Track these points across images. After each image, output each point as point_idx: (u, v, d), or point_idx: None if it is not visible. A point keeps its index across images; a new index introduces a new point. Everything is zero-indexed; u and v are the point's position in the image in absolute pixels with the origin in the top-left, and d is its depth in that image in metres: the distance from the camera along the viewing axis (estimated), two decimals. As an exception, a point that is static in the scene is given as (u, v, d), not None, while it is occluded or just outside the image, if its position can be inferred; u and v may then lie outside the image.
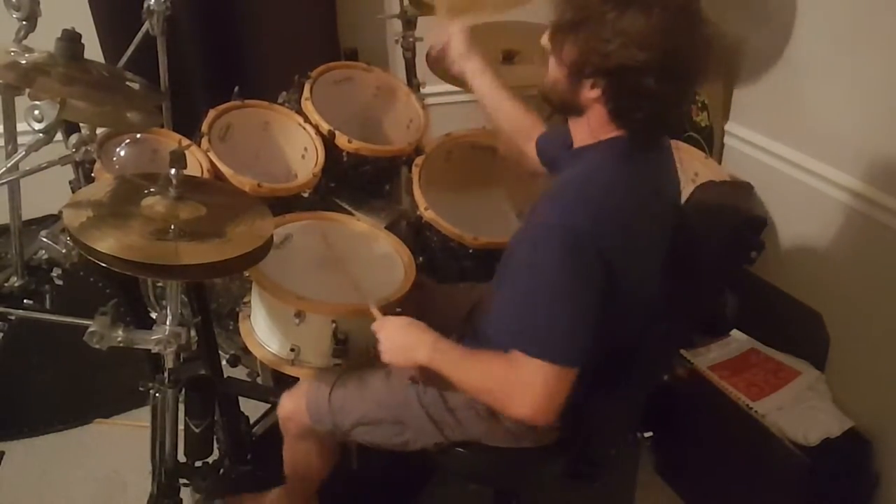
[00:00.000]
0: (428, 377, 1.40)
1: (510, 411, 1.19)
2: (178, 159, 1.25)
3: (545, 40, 1.22)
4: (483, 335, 1.41)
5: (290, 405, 1.51)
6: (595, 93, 1.16)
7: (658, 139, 1.28)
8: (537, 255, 1.15)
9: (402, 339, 1.32)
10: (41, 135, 1.25)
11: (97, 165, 1.59)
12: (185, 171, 1.27)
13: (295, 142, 1.87)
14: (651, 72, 1.09)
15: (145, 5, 1.65)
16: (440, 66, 1.68)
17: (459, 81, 2.04)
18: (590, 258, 1.12)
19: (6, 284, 1.56)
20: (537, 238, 1.15)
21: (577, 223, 1.12)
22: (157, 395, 1.45)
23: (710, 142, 2.21)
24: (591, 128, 1.22)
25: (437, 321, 1.44)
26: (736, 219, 1.45)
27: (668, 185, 1.31)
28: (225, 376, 1.77)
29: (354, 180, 1.93)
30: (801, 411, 1.81)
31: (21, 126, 1.35)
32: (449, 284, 1.79)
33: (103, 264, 1.13)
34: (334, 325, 1.44)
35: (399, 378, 1.44)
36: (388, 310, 1.50)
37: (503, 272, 1.35)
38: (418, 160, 1.89)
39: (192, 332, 1.38)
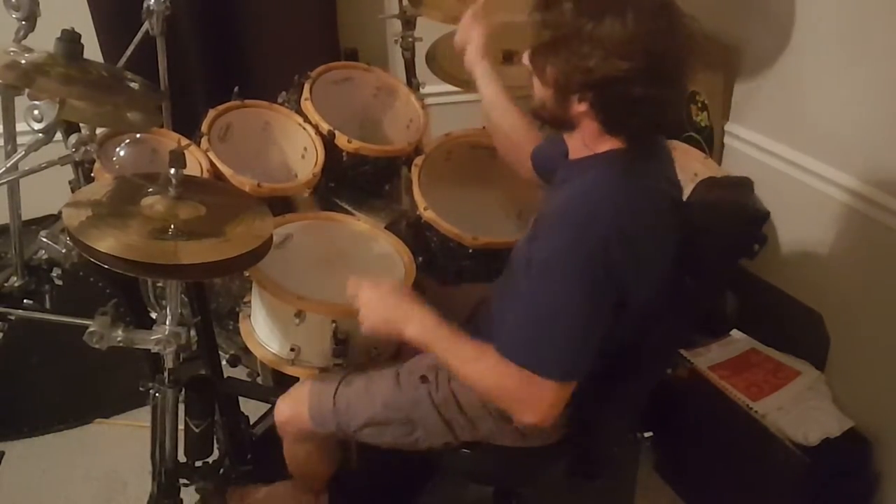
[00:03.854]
0: (439, 377, 1.40)
1: (518, 417, 1.20)
2: (178, 159, 1.25)
3: (526, 61, 1.21)
4: (487, 337, 1.41)
5: (288, 410, 1.49)
6: (583, 107, 1.15)
7: (655, 144, 1.27)
8: (549, 280, 1.14)
9: (385, 311, 1.28)
10: (41, 135, 1.25)
11: (97, 165, 1.59)
12: (185, 171, 1.27)
13: (295, 142, 1.87)
14: (636, 78, 1.08)
15: (145, 5, 1.65)
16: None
17: (460, 81, 2.06)
18: (600, 277, 1.12)
19: (6, 284, 1.55)
20: (548, 263, 1.15)
21: (584, 246, 1.11)
22: (157, 395, 1.45)
23: (709, 142, 2.21)
24: (585, 141, 1.21)
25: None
26: (739, 213, 1.45)
27: (670, 189, 1.29)
28: (225, 376, 1.77)
29: (354, 180, 1.93)
30: (801, 411, 1.81)
31: (20, 126, 1.35)
32: (450, 285, 1.79)
33: (103, 264, 1.13)
34: (334, 325, 1.44)
35: (409, 377, 1.43)
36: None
37: (508, 283, 1.35)
38: (418, 160, 1.89)
39: (192, 332, 1.38)
